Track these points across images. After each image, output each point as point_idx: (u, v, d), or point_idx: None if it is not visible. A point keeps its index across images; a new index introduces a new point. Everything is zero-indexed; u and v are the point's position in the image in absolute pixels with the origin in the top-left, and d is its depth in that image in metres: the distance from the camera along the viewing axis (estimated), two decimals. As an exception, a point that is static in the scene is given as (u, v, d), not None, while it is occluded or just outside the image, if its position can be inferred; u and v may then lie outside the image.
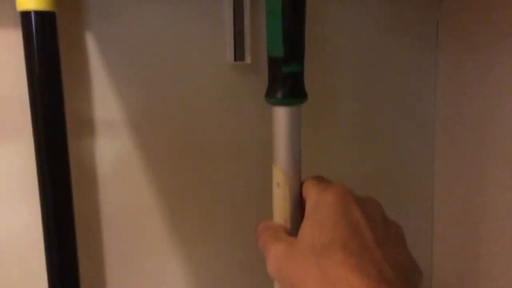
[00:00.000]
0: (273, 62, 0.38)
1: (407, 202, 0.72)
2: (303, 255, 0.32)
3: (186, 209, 0.57)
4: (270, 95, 0.38)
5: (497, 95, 0.63)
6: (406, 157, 0.72)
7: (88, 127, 0.51)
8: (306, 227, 0.34)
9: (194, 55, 0.55)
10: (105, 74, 0.51)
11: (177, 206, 0.57)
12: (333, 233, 0.32)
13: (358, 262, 0.30)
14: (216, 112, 0.57)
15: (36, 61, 0.44)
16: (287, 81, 0.37)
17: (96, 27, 0.50)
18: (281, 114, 0.37)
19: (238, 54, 0.55)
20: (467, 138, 0.68)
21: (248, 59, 0.55)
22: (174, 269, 0.58)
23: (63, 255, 0.48)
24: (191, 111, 0.56)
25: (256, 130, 0.59)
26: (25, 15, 0.43)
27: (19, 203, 0.49)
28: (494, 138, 0.64)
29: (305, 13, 0.37)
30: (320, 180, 0.38)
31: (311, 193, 0.37)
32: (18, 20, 0.44)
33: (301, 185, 0.38)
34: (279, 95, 0.37)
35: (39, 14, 0.43)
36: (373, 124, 0.68)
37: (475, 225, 0.67)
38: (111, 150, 0.53)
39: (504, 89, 0.62)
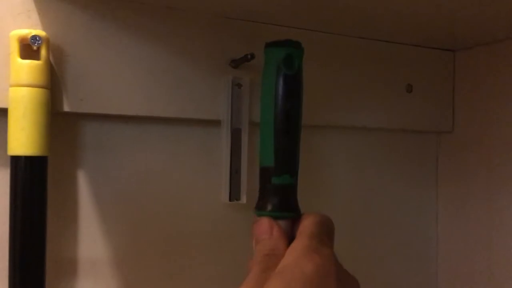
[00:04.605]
0: (263, 173, 0.37)
1: None
2: None
3: None
4: (260, 207, 0.36)
5: (498, 230, 0.61)
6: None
7: (70, 267, 0.49)
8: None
9: (188, 194, 0.54)
10: (94, 212, 0.49)
11: None
12: None
13: None
14: (208, 252, 0.55)
15: (20, 205, 0.42)
16: (277, 193, 0.36)
17: (89, 165, 0.49)
18: None
19: (234, 193, 0.53)
20: (470, 273, 0.65)
21: (243, 199, 0.53)
22: None
23: None
24: (182, 251, 0.54)
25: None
26: (15, 160, 0.42)
27: None
28: (499, 272, 0.60)
29: (299, 126, 0.37)
30: (318, 232, 0.34)
31: (298, 244, 0.33)
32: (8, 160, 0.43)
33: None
34: (268, 207, 0.36)
35: (29, 159, 0.42)
36: (371, 261, 0.65)
37: None
38: (93, 292, 0.50)
39: (505, 224, 0.60)
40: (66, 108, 0.45)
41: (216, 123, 0.53)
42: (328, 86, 0.59)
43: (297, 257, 0.32)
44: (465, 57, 0.67)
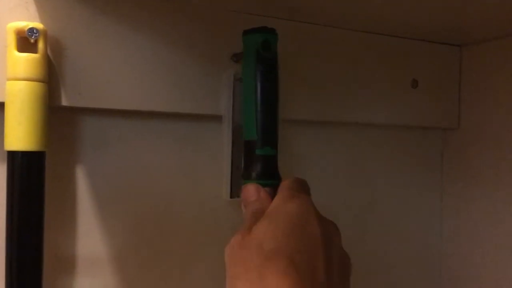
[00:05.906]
0: (248, 146, 0.42)
1: None
2: (249, 253, 0.32)
3: None
4: (245, 176, 0.41)
5: (504, 228, 0.60)
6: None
7: (68, 265, 0.48)
8: (261, 225, 0.34)
9: (189, 191, 0.53)
10: (92, 208, 0.49)
11: None
12: (285, 241, 0.32)
13: (299, 277, 0.30)
14: (209, 249, 0.54)
15: (17, 201, 0.42)
16: (261, 163, 0.41)
17: (88, 160, 0.48)
18: None
19: (235, 190, 0.52)
20: (475, 272, 0.64)
21: (245, 196, 0.53)
22: None
23: None
24: (182, 248, 0.53)
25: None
26: (12, 155, 0.42)
27: None
28: (505, 272, 0.59)
29: (277, 103, 0.42)
30: (295, 186, 0.38)
31: (279, 195, 0.37)
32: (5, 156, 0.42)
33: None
34: (253, 175, 0.41)
35: (27, 154, 0.41)
36: (374, 259, 0.64)
37: None
38: (92, 289, 0.49)
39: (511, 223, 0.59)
40: (64, 102, 0.44)
41: (217, 118, 0.52)
42: (332, 81, 0.58)
43: (279, 203, 0.36)
44: (472, 52, 0.66)
